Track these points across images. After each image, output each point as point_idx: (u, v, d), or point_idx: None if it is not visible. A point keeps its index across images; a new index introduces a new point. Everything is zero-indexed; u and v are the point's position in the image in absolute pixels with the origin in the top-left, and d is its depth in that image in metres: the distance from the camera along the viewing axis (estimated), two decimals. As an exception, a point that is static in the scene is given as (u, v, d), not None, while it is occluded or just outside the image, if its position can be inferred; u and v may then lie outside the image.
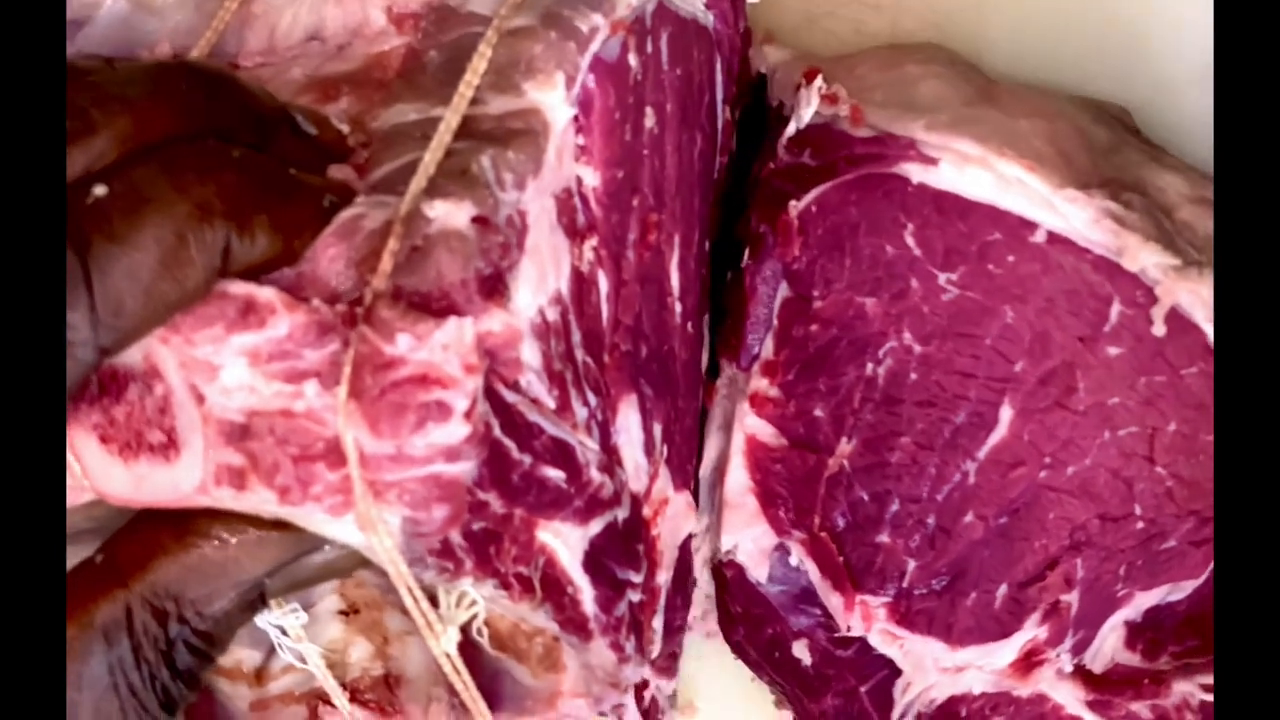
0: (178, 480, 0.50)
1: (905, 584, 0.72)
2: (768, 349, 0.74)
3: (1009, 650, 0.72)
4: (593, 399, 0.61)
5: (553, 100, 0.56)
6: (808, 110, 0.72)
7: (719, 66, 0.73)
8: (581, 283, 0.60)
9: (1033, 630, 0.71)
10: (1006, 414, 0.69)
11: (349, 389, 0.48)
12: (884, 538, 0.72)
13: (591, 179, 0.60)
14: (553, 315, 0.58)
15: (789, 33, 0.83)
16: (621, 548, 0.64)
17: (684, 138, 0.68)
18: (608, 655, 0.64)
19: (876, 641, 0.73)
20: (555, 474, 0.58)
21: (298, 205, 0.50)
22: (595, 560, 0.62)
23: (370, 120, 0.57)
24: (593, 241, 0.61)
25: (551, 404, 0.58)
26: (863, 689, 0.74)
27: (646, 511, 0.68)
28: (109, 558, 0.52)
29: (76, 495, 0.52)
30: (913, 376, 0.70)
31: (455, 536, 0.54)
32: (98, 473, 0.51)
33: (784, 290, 0.74)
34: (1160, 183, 0.73)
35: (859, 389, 0.71)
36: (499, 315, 0.51)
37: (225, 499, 0.50)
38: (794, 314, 0.73)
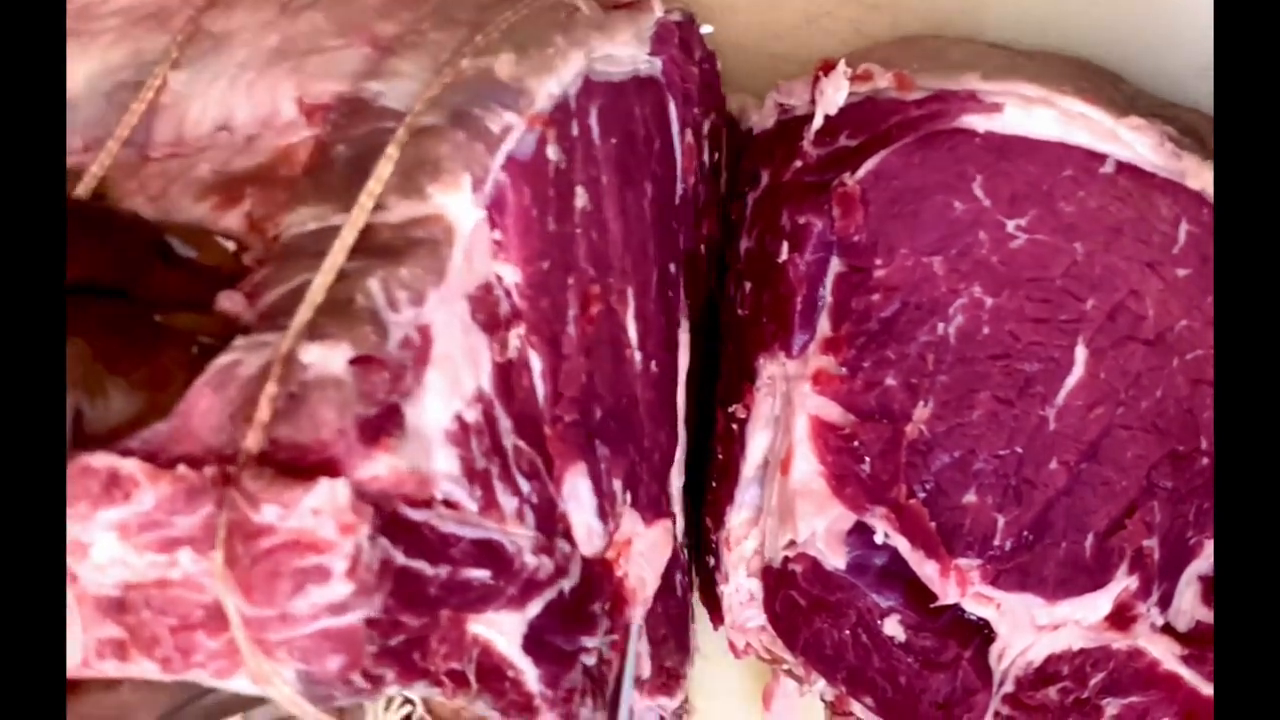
0: (60, 658, 0.44)
1: (996, 542, 0.66)
2: (824, 327, 0.68)
3: (1104, 601, 0.66)
4: (525, 484, 0.55)
5: (458, 203, 0.50)
6: (839, 94, 0.67)
7: (672, 106, 0.66)
8: (509, 372, 0.55)
9: (1123, 580, 0.66)
10: (1081, 354, 0.65)
11: (224, 555, 0.42)
12: (970, 497, 0.66)
13: (512, 275, 0.54)
14: (472, 415, 0.52)
15: (789, 32, 0.78)
16: (571, 616, 0.59)
17: (629, 197, 0.62)
18: (557, 727, 0.58)
19: (971, 606, 0.67)
20: (479, 574, 0.53)
21: (162, 357, 0.45)
22: (537, 639, 0.57)
23: (271, 227, 0.50)
24: (519, 330, 0.55)
25: (474, 506, 0.52)
26: (965, 656, 0.68)
27: (610, 554, 0.63)
28: None
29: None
30: (985, 331, 0.66)
31: (367, 663, 0.48)
32: (-19, 647, 0.45)
33: (836, 266, 0.68)
34: (1187, 119, 0.69)
35: (930, 352, 0.66)
36: (384, 460, 0.45)
37: (110, 670, 0.45)
38: (851, 287, 0.68)
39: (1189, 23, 0.73)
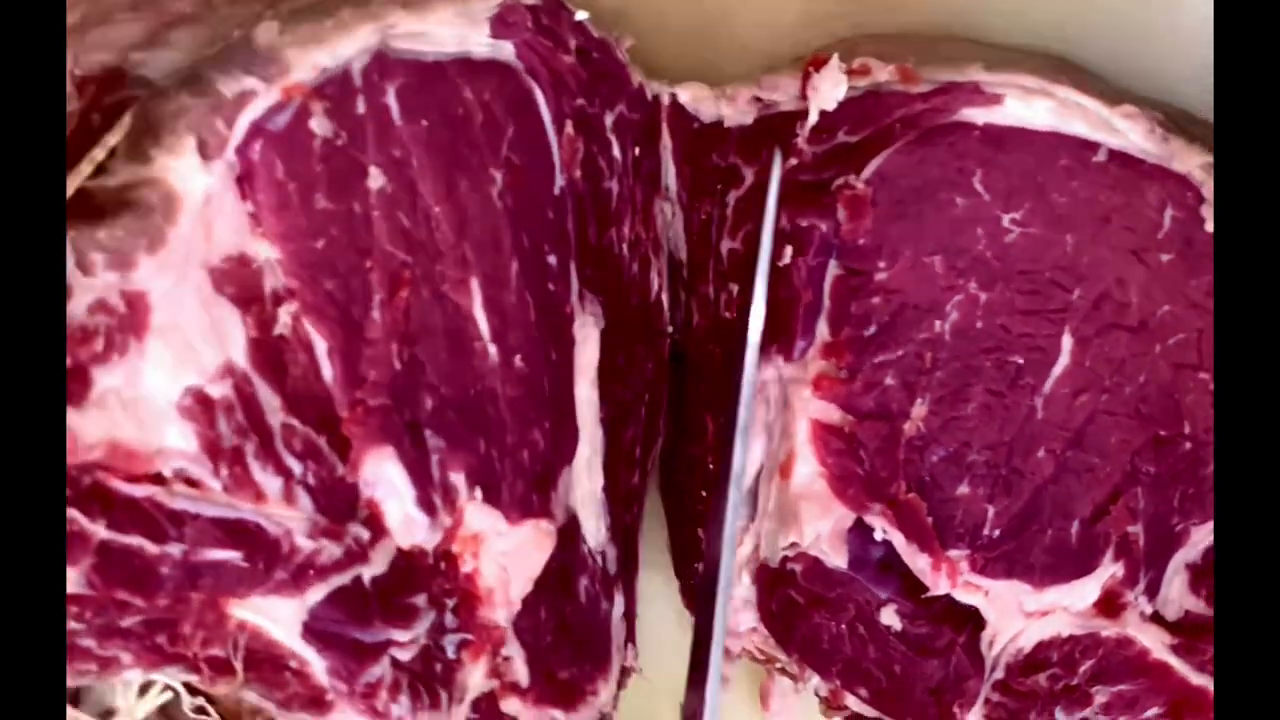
0: None
1: (985, 532, 0.66)
2: (822, 332, 0.66)
3: (1091, 587, 0.66)
4: (296, 464, 0.53)
5: (183, 168, 0.48)
6: (838, 89, 0.65)
7: (539, 93, 0.62)
8: (278, 348, 0.53)
9: (1110, 567, 0.65)
10: (1067, 343, 0.65)
11: None
12: (963, 489, 0.65)
13: (271, 251, 0.51)
14: (218, 390, 0.51)
15: (788, 32, 0.73)
16: (374, 606, 0.57)
17: (463, 183, 0.58)
18: (359, 723, 0.56)
19: (961, 595, 0.67)
20: (228, 555, 0.51)
21: None
22: (321, 629, 0.54)
23: None
24: (290, 307, 0.52)
25: (218, 484, 0.50)
26: (959, 642, 0.68)
27: (455, 548, 0.60)
28: None
29: None
30: (978, 325, 0.65)
31: (86, 640, 0.46)
32: None
33: (833, 269, 0.66)
34: (1172, 114, 0.66)
35: (928, 349, 0.65)
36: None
37: None
38: (850, 290, 0.66)
39: (1188, 22, 0.69)
